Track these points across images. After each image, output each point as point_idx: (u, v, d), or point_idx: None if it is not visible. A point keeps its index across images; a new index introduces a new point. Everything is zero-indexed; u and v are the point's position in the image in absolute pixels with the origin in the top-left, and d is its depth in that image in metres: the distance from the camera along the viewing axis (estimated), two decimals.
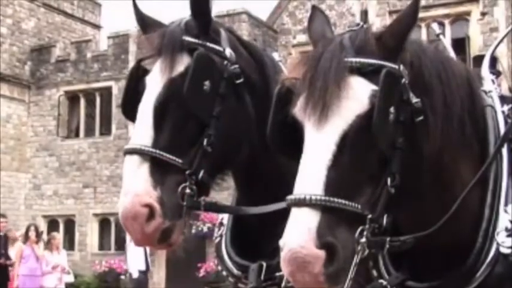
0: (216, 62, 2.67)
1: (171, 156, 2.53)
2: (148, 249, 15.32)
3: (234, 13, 23.62)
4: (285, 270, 1.98)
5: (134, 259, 15.59)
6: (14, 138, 26.33)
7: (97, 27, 31.26)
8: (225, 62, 2.71)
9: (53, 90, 26.86)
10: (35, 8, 27.71)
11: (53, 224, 25.80)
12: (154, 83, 2.65)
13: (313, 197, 1.98)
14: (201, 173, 2.58)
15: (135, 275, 15.79)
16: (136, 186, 2.47)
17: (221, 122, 2.64)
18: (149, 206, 2.44)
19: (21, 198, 26.29)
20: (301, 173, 2.06)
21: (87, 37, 28.30)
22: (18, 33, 26.84)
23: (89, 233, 25.15)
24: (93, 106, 26.56)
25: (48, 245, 14.77)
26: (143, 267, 15.34)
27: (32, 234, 14.28)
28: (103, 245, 25.72)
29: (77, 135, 27.04)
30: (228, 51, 2.74)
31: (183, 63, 2.63)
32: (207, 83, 2.60)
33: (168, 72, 2.62)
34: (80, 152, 25.92)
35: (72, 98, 27.04)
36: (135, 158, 2.52)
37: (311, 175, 2.02)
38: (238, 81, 2.74)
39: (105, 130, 26.07)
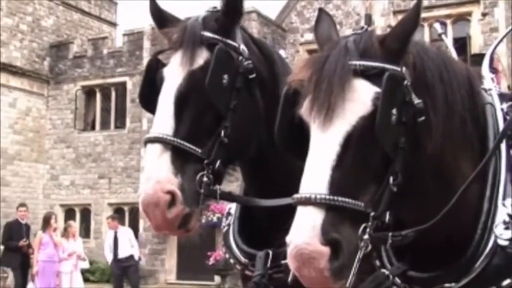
0: (233, 57, 2.68)
1: (191, 146, 2.54)
2: (124, 239, 15.18)
3: (244, 12, 23.53)
4: (291, 265, 1.98)
5: (107, 247, 15.48)
6: (33, 130, 26.42)
7: (113, 25, 31.30)
8: (241, 58, 2.71)
9: (71, 85, 26.91)
10: (54, 6, 27.75)
11: (69, 213, 25.90)
12: (175, 75, 2.65)
13: (318, 196, 1.98)
14: (218, 163, 2.59)
15: (109, 262, 15.66)
16: (158, 173, 2.47)
17: (237, 114, 2.65)
18: (171, 193, 2.44)
19: (39, 188, 26.40)
20: (306, 172, 2.06)
21: (104, 34, 28.32)
22: (37, 30, 26.90)
23: (104, 222, 25.19)
24: (109, 100, 26.60)
25: (65, 233, 14.84)
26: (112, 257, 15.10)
27: (53, 222, 14.38)
28: None
29: (93, 128, 27.09)
30: (242, 48, 2.75)
31: (203, 57, 2.64)
32: (225, 76, 2.61)
33: (188, 65, 2.63)
34: (96, 144, 25.99)
35: (89, 93, 27.09)
36: (157, 146, 2.52)
37: (316, 175, 2.02)
38: (251, 77, 2.74)
39: (120, 123, 26.12)
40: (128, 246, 15.10)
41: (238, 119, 2.65)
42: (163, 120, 2.58)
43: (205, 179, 2.54)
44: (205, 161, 2.56)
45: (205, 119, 2.62)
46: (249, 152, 2.83)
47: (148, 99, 2.75)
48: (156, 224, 2.51)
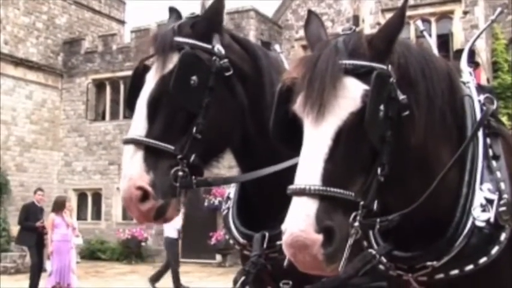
0: (202, 59, 2.64)
1: (162, 144, 2.53)
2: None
3: (243, 10, 23.53)
4: (287, 251, 1.98)
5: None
6: (49, 120, 26.40)
7: (121, 22, 31.19)
8: (214, 58, 2.67)
9: (82, 78, 26.86)
10: (67, 5, 27.65)
11: (82, 197, 25.96)
12: (150, 80, 2.64)
13: (312, 187, 1.97)
14: (192, 157, 2.57)
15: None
16: (131, 171, 2.48)
17: (211, 111, 2.62)
18: (142, 189, 2.45)
19: (54, 174, 26.40)
20: (300, 165, 2.05)
21: (113, 31, 28.22)
22: (52, 28, 26.81)
23: (114, 205, 25.23)
24: (118, 93, 26.51)
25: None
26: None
27: (68, 205, 14.45)
28: (126, 215, 25.75)
29: (103, 118, 27.04)
30: (218, 48, 2.70)
31: (173, 61, 2.60)
32: (194, 78, 2.57)
33: (160, 70, 2.62)
34: (106, 133, 25.96)
35: (99, 85, 27.04)
36: (131, 147, 2.53)
37: (310, 167, 2.01)
38: (227, 74, 2.71)
39: (128, 114, 25.97)
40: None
41: (213, 115, 2.63)
42: (138, 122, 2.58)
43: (180, 173, 2.53)
44: (179, 156, 2.54)
45: (178, 118, 2.59)
46: (230, 142, 2.83)
47: (133, 104, 2.73)
48: (135, 216, 2.55)
